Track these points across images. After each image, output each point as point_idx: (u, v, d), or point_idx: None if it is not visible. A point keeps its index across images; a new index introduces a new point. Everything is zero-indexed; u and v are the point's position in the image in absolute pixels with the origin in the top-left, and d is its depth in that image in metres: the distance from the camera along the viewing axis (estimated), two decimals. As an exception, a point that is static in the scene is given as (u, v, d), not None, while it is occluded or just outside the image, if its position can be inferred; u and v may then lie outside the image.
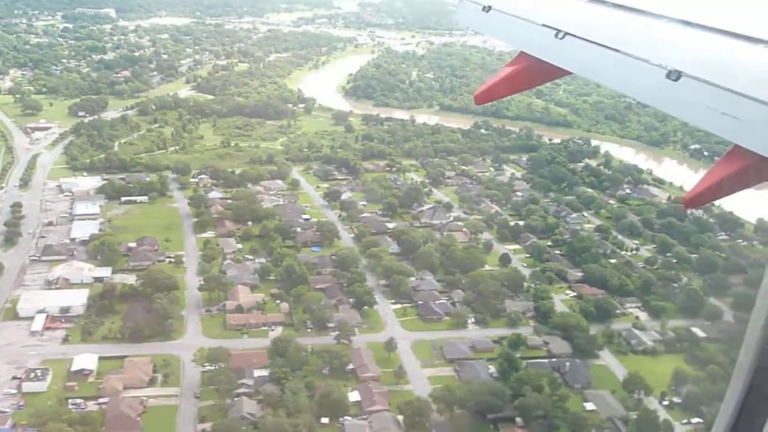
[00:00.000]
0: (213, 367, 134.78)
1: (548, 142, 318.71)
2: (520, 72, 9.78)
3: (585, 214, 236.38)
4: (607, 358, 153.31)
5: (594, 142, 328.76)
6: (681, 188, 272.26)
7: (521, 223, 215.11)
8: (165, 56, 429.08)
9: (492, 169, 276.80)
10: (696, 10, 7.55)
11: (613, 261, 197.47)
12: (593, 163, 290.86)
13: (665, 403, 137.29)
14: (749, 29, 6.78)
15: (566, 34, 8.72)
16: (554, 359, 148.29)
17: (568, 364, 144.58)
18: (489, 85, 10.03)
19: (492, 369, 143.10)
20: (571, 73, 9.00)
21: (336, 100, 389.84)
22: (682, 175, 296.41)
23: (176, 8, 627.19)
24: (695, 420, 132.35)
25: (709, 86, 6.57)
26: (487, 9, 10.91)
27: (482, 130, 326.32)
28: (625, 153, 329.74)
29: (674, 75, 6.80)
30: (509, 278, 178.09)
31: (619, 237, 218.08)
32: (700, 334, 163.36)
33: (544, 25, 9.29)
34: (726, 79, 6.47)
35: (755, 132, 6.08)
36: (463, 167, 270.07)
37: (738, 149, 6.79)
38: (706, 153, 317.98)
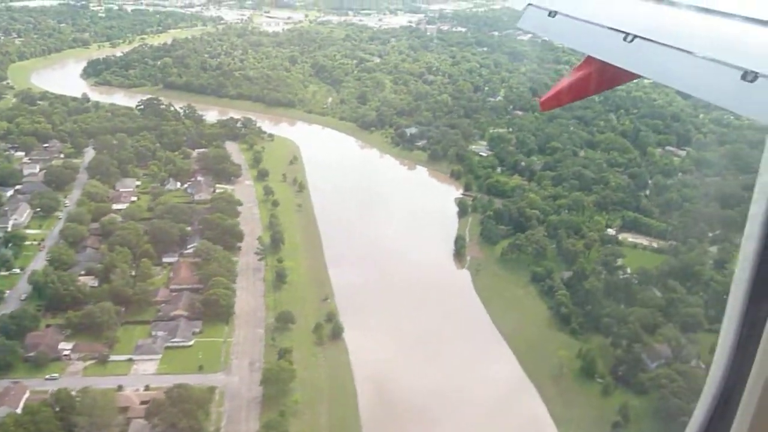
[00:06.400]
0: None
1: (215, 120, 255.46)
2: (588, 77, 9.67)
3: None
4: None
5: (280, 123, 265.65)
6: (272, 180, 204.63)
7: None
8: None
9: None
10: None
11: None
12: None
13: None
14: None
15: (635, 36, 8.37)
16: None
17: None
18: (555, 90, 10.06)
19: None
20: (639, 77, 8.82)
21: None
22: (331, 160, 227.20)
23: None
24: None
25: None
26: (553, 14, 10.67)
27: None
28: (327, 136, 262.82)
29: (750, 76, 6.34)
30: None
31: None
32: None
33: (611, 28, 8.95)
34: None
35: None
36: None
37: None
38: (408, 138, 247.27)
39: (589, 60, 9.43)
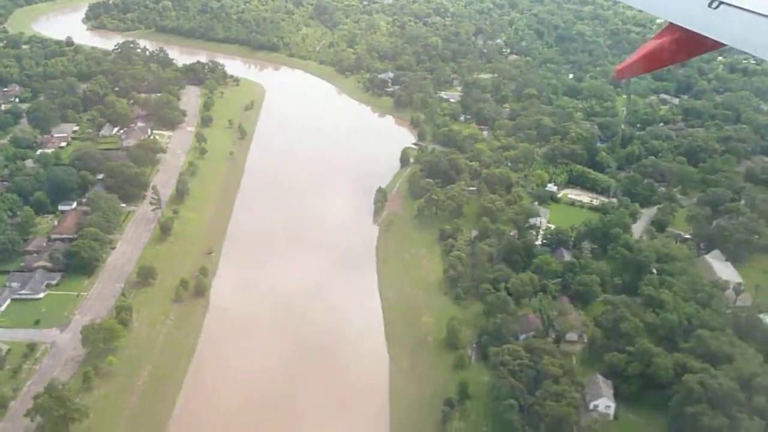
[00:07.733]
0: None
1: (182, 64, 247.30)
2: (669, 44, 9.06)
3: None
4: None
5: (258, 67, 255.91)
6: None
7: None
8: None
9: None
10: None
11: None
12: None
13: None
14: None
15: (721, 3, 7.91)
16: None
17: None
18: (634, 58, 9.48)
19: None
20: (724, 46, 8.37)
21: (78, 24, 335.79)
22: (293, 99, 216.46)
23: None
24: None
25: None
26: None
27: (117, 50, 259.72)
28: (300, 81, 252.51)
29: None
30: None
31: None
32: None
33: None
34: None
35: None
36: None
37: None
38: (378, 83, 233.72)
39: (671, 26, 8.94)
